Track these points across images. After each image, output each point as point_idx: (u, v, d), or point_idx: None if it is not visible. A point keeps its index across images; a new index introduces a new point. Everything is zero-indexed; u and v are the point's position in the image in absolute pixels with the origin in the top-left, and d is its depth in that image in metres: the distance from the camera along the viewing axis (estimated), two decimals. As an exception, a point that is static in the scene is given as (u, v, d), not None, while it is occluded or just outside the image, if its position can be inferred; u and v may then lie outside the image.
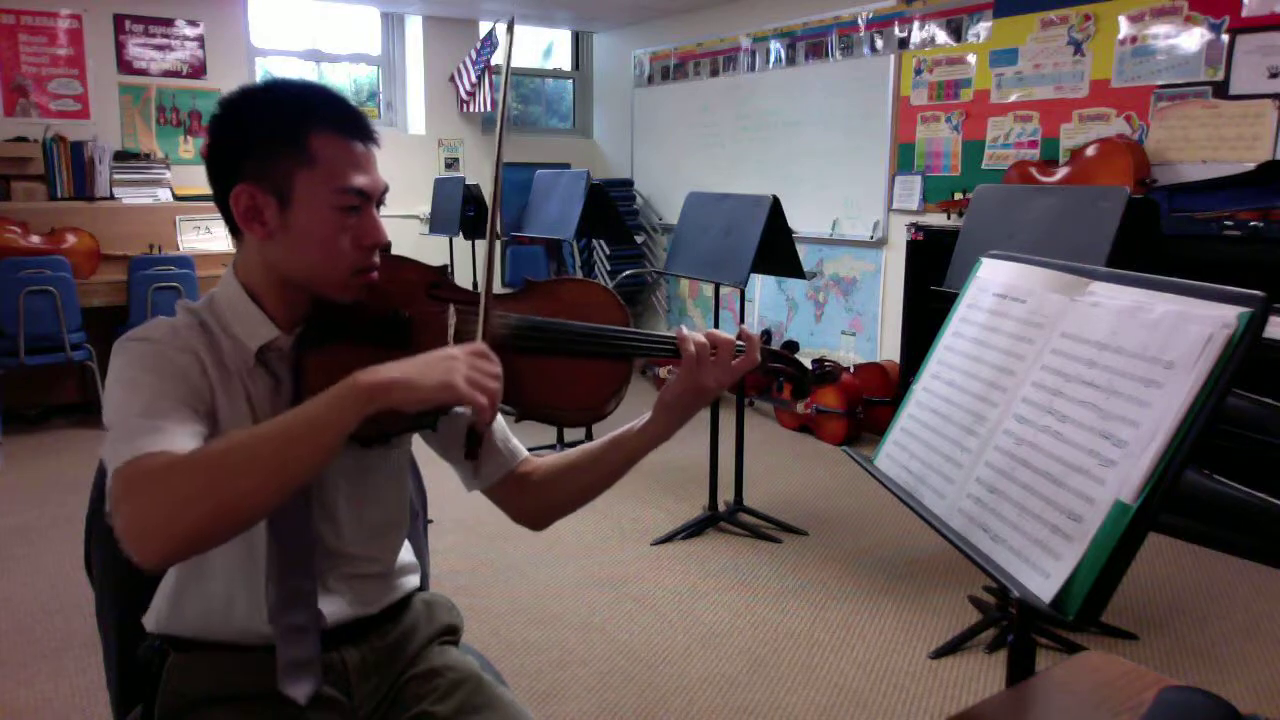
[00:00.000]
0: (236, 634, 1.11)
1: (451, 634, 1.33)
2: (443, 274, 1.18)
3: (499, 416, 1.26)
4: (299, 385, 1.08)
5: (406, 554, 1.30)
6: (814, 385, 1.28)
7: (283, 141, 1.04)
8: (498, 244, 1.12)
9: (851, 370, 4.92)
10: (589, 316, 1.16)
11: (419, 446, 1.42)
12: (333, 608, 1.15)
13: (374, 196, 1.09)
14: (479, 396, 0.94)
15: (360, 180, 1.06)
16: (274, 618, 1.09)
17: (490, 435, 1.24)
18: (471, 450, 1.03)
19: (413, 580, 1.30)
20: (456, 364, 0.94)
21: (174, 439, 0.93)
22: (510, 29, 1.25)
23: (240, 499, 0.87)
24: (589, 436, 3.92)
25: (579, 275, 1.24)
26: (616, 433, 1.19)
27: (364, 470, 1.17)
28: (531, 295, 1.18)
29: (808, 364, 1.30)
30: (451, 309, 1.13)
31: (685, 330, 1.15)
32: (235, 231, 1.09)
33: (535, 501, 1.26)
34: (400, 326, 1.11)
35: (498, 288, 1.16)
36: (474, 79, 6.47)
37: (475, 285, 5.42)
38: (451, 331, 1.11)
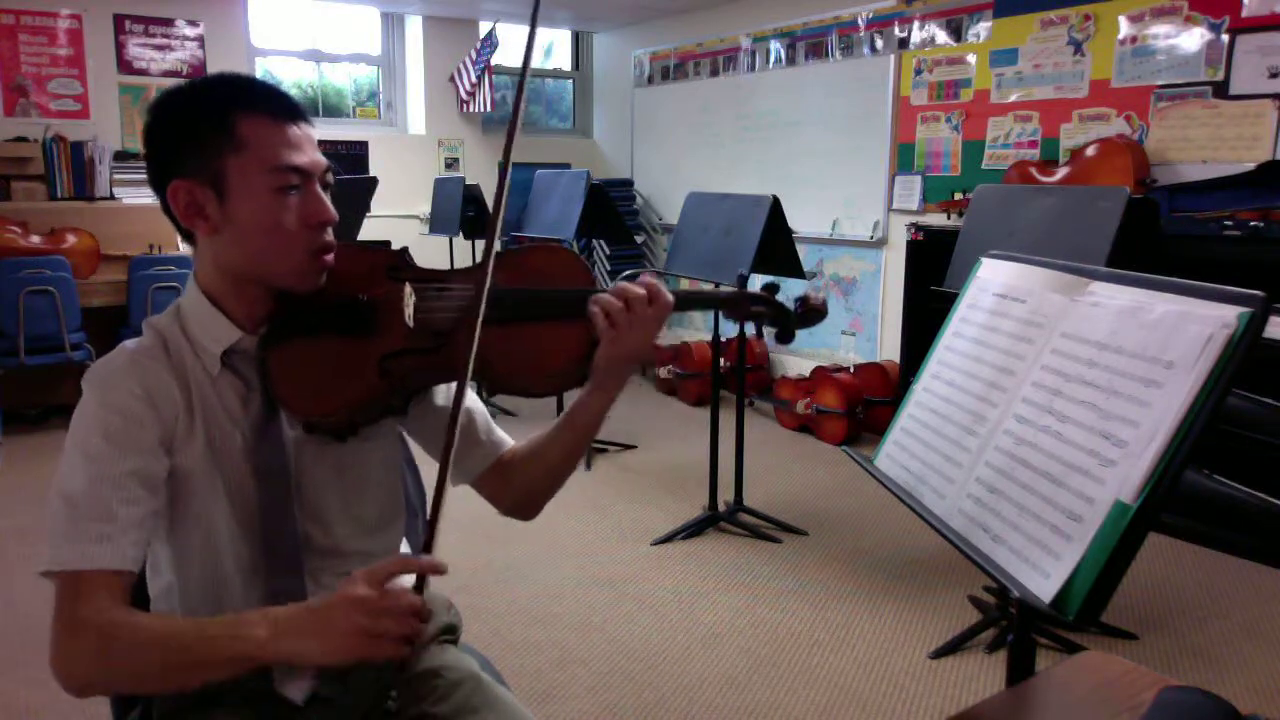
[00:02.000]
0: None
1: (450, 633, 1.32)
2: (402, 256, 1.16)
3: (481, 406, 1.26)
4: (267, 386, 1.08)
5: (403, 550, 1.30)
6: (797, 325, 1.23)
7: (210, 131, 1.03)
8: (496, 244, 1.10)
9: (852, 370, 4.92)
10: (551, 280, 1.15)
11: (417, 446, 1.42)
12: None
13: (315, 174, 1.07)
14: (387, 649, 0.92)
15: (295, 158, 1.04)
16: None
17: (474, 429, 1.23)
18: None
19: (407, 580, 1.29)
20: (356, 628, 0.91)
21: (117, 551, 0.97)
22: (531, 36, 1.16)
23: (159, 683, 0.97)
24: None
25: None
26: (569, 409, 1.18)
27: (346, 466, 1.16)
28: (496, 267, 1.13)
29: (791, 304, 1.24)
30: (408, 287, 1.11)
31: (595, 298, 1.11)
32: (186, 236, 1.08)
33: (517, 489, 1.25)
34: (362, 311, 1.10)
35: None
36: (474, 79, 6.47)
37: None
38: (409, 311, 1.10)
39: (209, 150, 1.03)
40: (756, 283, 5.97)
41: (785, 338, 1.24)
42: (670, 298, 1.12)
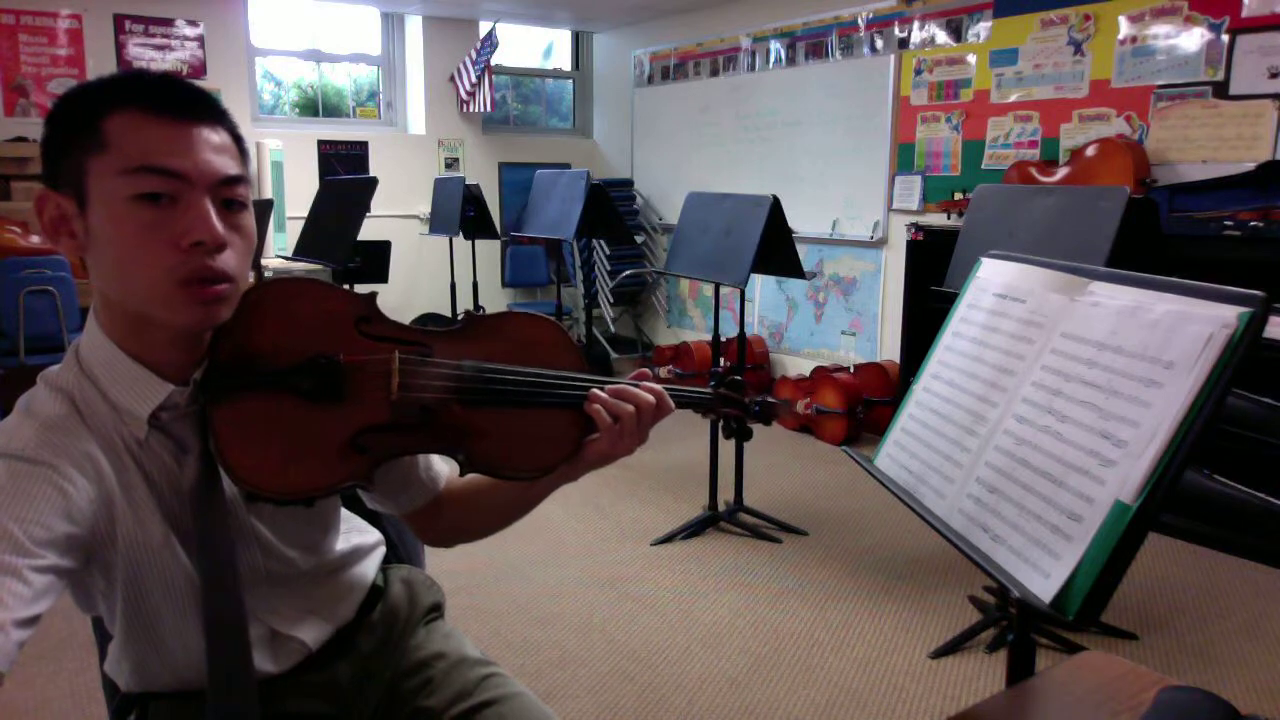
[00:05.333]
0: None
1: (436, 610, 1.29)
2: (371, 305, 1.01)
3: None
4: (205, 447, 0.92)
5: (356, 536, 1.20)
6: (753, 422, 1.23)
7: (75, 129, 0.87)
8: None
9: (852, 370, 4.92)
10: (539, 357, 1.05)
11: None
12: (311, 633, 1.11)
13: (197, 183, 0.87)
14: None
15: (164, 159, 0.86)
16: (210, 682, 0.92)
17: (413, 466, 1.16)
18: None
19: (375, 556, 1.23)
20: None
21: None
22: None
23: None
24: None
25: (529, 311, 1.16)
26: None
27: (287, 515, 1.07)
28: (477, 334, 1.04)
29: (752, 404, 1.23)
30: (397, 355, 0.97)
31: (598, 393, 1.05)
32: (80, 264, 0.95)
33: (447, 525, 1.21)
34: (330, 373, 0.93)
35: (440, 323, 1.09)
36: (474, 79, 6.47)
37: (475, 283, 5.43)
38: (396, 382, 0.96)
39: (72, 152, 0.87)
40: (757, 283, 5.94)
41: (742, 435, 1.26)
42: (673, 406, 1.10)
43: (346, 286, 2.34)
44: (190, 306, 0.88)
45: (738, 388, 1.22)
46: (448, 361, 1.00)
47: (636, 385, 1.07)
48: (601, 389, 1.05)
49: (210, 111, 0.91)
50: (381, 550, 1.26)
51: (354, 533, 1.21)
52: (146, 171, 0.86)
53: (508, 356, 1.03)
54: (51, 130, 0.90)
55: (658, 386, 1.08)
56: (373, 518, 1.30)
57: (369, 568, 1.21)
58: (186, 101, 0.89)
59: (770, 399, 1.23)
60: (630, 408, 1.04)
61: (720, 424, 1.27)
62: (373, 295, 1.02)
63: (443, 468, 1.21)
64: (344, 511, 1.21)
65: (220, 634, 0.90)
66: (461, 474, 1.05)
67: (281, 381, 0.92)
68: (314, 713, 1.11)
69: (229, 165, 0.90)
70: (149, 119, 0.87)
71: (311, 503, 0.96)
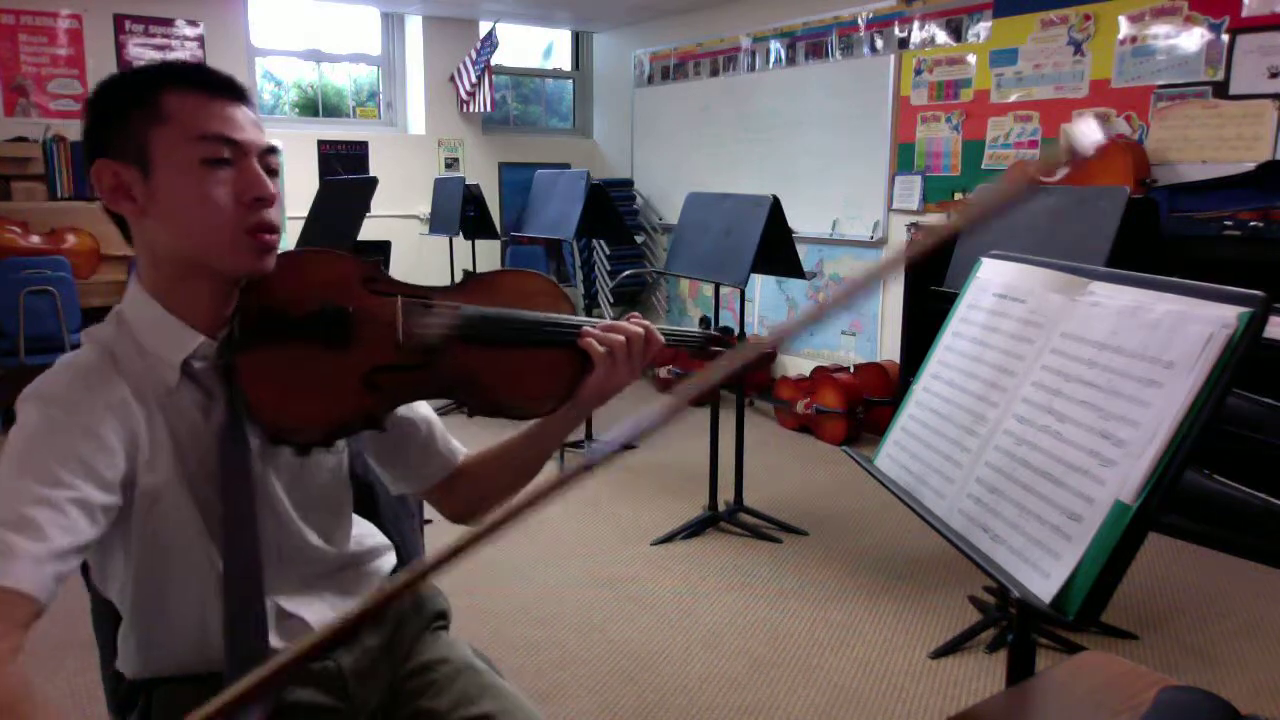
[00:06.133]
0: (216, 663, 1.05)
1: (441, 619, 1.31)
2: (377, 268, 1.13)
3: (436, 417, 1.25)
4: (232, 394, 1.02)
5: (371, 538, 1.27)
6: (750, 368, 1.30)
7: (134, 105, 0.99)
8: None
9: (852, 370, 4.92)
10: (535, 305, 1.15)
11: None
12: (317, 614, 1.13)
13: (249, 151, 1.01)
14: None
15: (225, 128, 0.99)
16: (226, 643, 1.01)
17: (432, 440, 1.23)
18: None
19: (388, 560, 1.28)
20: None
21: (37, 574, 0.84)
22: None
23: None
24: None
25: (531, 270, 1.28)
26: (533, 429, 1.20)
27: (299, 476, 1.13)
28: (474, 288, 1.15)
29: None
30: (399, 301, 1.09)
31: (589, 329, 1.14)
32: (123, 229, 1.04)
33: (467, 498, 1.25)
34: (343, 321, 1.05)
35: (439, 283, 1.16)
36: (474, 79, 6.47)
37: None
38: (400, 324, 1.08)
39: (132, 125, 0.98)
40: (757, 283, 5.95)
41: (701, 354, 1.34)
42: (662, 339, 1.17)
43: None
44: (252, 252, 1.01)
45: (727, 332, 1.29)
46: (448, 305, 1.10)
47: (626, 321, 1.16)
48: (593, 326, 1.15)
49: (244, 95, 1.04)
50: (392, 557, 1.29)
51: (367, 537, 1.26)
52: (211, 140, 0.98)
53: (504, 305, 1.13)
54: (104, 107, 1.00)
55: (646, 322, 1.17)
56: (380, 528, 1.34)
57: (379, 569, 1.26)
58: (227, 85, 1.02)
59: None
60: (620, 339, 1.13)
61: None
62: (379, 259, 1.11)
63: (458, 445, 1.27)
64: (355, 517, 1.25)
65: (238, 569, 1.00)
66: (470, 415, 1.14)
67: (298, 329, 1.03)
68: (313, 703, 1.13)
69: (265, 138, 1.04)
70: (201, 97, 0.99)
71: (330, 443, 1.09)
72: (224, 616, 1.01)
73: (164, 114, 0.98)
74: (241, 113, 1.02)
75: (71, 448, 0.91)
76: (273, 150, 1.04)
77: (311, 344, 1.03)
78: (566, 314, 1.16)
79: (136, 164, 0.98)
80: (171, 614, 1.06)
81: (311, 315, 1.04)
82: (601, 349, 1.11)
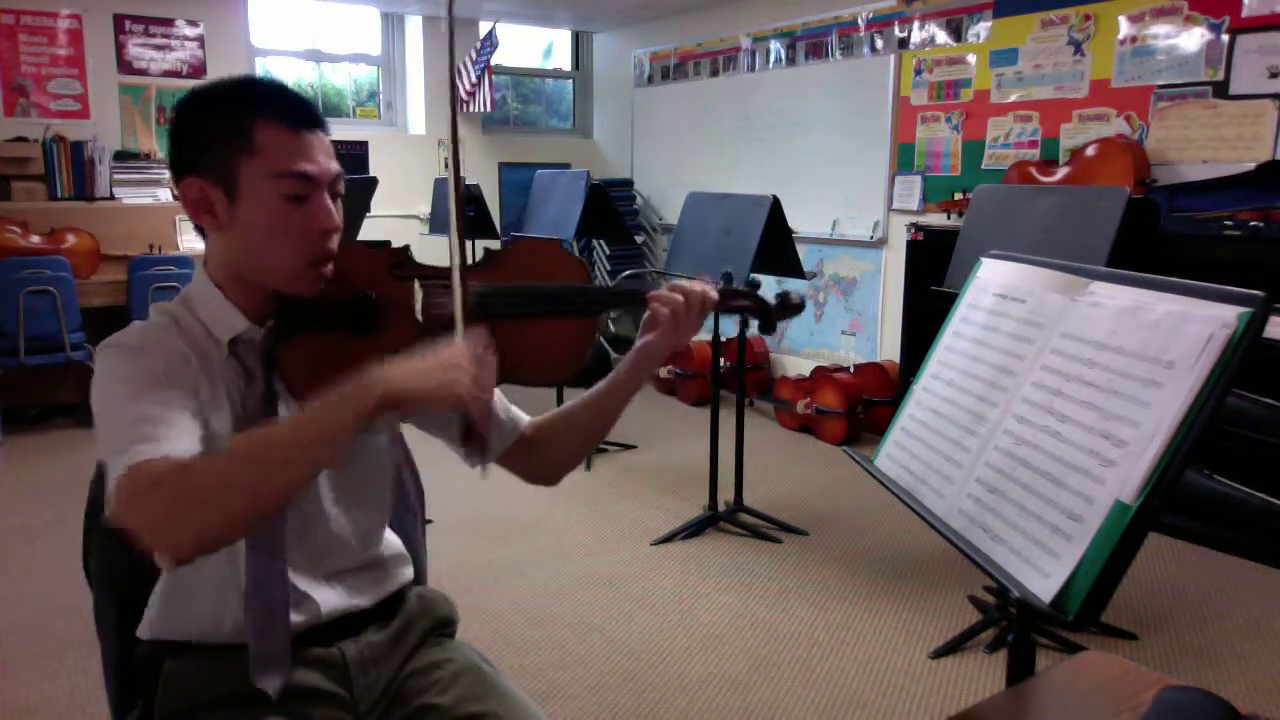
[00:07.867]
0: (230, 635, 1.11)
1: (448, 626, 1.33)
2: (405, 254, 1.20)
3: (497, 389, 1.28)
4: (270, 378, 1.11)
5: (397, 547, 1.32)
6: (778, 315, 1.31)
7: (227, 131, 1.06)
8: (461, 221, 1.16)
9: (852, 370, 4.92)
10: (554, 277, 1.20)
11: (417, 446, 1.41)
12: (326, 599, 1.16)
13: (323, 183, 1.10)
14: (482, 406, 0.98)
15: (305, 165, 1.07)
16: (247, 607, 1.09)
17: (494, 410, 1.26)
18: (469, 438, 1.11)
19: (406, 573, 1.31)
20: (461, 374, 0.98)
21: (174, 441, 0.96)
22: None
23: (251, 502, 0.91)
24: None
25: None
26: (600, 387, 1.24)
27: (347, 459, 1.16)
28: (495, 264, 1.21)
29: (771, 298, 1.33)
30: (416, 284, 1.14)
31: (656, 293, 1.19)
32: (200, 228, 1.12)
33: (543, 461, 1.30)
34: (367, 308, 1.12)
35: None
36: (474, 79, 6.47)
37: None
38: (419, 306, 1.13)
39: (224, 151, 1.06)
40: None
41: (767, 328, 1.36)
42: (715, 295, 1.22)
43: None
44: (312, 281, 1.11)
45: (755, 286, 1.31)
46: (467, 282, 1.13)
47: (682, 283, 1.20)
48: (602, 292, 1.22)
49: (320, 121, 1.12)
50: (410, 571, 1.32)
51: (390, 546, 1.30)
52: (292, 177, 1.07)
53: (522, 279, 1.18)
54: (199, 125, 1.08)
55: (702, 284, 1.22)
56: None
57: (401, 575, 1.29)
58: (309, 114, 1.10)
59: (793, 297, 1.33)
60: (681, 299, 1.18)
61: (743, 317, 1.37)
62: (405, 247, 1.21)
63: (520, 412, 1.31)
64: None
65: (261, 540, 1.08)
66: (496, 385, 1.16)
67: (330, 318, 1.12)
68: (317, 687, 1.14)
69: (336, 164, 1.12)
70: (289, 130, 1.07)
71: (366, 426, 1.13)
72: (245, 585, 1.09)
73: (255, 146, 1.06)
74: (319, 140, 1.10)
75: (164, 378, 1.03)
76: (340, 176, 1.13)
77: (343, 331, 1.12)
78: (580, 281, 1.21)
79: (223, 187, 1.07)
80: (200, 575, 1.11)
81: (340, 304, 1.12)
82: (665, 310, 1.17)
